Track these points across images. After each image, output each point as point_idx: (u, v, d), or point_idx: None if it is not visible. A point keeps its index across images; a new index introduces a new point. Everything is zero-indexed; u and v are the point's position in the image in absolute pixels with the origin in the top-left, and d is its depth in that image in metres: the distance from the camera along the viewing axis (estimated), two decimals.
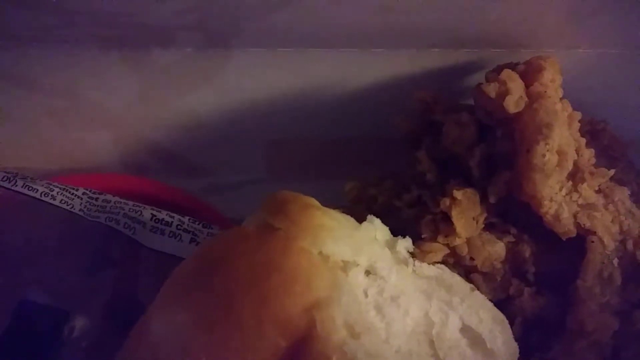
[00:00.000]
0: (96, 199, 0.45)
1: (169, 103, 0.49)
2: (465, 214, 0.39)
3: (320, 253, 0.34)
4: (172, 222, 0.44)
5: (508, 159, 0.40)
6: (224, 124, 0.51)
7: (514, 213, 0.41)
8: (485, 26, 0.44)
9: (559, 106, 0.39)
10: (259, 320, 0.32)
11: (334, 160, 0.52)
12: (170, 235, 0.44)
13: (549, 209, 0.39)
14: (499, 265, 0.41)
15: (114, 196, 0.45)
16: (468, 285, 0.38)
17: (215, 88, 0.48)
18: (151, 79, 0.48)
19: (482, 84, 0.41)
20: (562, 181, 0.40)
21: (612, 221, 0.40)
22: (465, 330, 0.36)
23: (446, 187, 0.41)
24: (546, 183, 0.38)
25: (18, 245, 0.44)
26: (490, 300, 0.39)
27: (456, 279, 0.38)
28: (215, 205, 0.50)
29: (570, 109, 0.40)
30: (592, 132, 0.45)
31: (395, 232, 0.38)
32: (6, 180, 0.44)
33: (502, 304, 0.40)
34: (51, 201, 0.44)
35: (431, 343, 0.35)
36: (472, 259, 0.40)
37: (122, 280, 0.43)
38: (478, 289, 0.39)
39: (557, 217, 0.39)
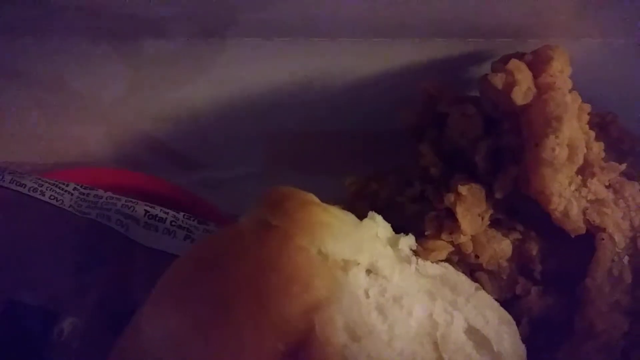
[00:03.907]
0: (87, 195, 0.44)
1: (163, 95, 0.49)
2: (471, 210, 0.39)
3: (319, 252, 0.33)
4: (166, 218, 0.44)
5: (515, 153, 0.39)
6: (220, 117, 0.50)
7: (520, 209, 0.40)
8: (492, 15, 0.43)
9: (568, 98, 0.38)
10: (256, 322, 0.31)
11: (334, 154, 0.51)
12: (164, 231, 0.43)
13: (557, 205, 0.38)
14: (505, 264, 0.40)
15: (106, 191, 0.45)
16: (473, 285, 0.37)
17: (210, 79, 0.48)
18: (143, 71, 0.47)
19: (488, 74, 0.40)
20: (572, 176, 0.39)
21: (623, 217, 0.40)
22: (471, 331, 0.35)
23: (450, 182, 0.40)
24: (555, 178, 0.37)
25: (5, 243, 0.43)
26: (496, 299, 0.38)
27: (461, 278, 0.37)
28: (211, 200, 0.49)
29: (579, 101, 0.39)
30: (601, 124, 0.44)
31: (398, 229, 0.37)
32: None
33: (508, 303, 0.39)
34: (40, 197, 0.43)
35: (435, 345, 0.34)
36: (477, 256, 0.39)
37: (114, 279, 0.42)
38: (483, 288, 0.38)
39: (566, 213, 0.38)
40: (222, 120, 0.50)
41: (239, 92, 0.49)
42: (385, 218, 0.36)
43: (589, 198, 0.39)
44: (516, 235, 0.40)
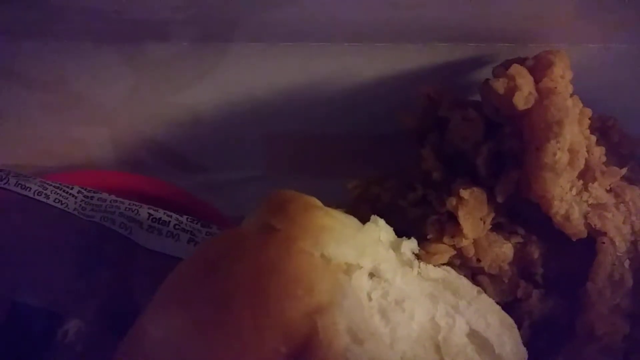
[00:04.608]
0: (91, 198, 0.44)
1: (166, 98, 0.49)
2: (472, 214, 0.39)
3: (322, 255, 0.33)
4: (169, 221, 0.44)
5: (516, 157, 0.39)
6: (222, 120, 0.50)
7: (522, 213, 0.40)
8: (493, 20, 0.43)
9: (569, 102, 0.38)
10: (258, 325, 0.31)
11: (336, 157, 0.51)
12: (168, 235, 0.43)
13: (559, 209, 0.38)
14: (506, 267, 0.40)
15: (109, 194, 0.45)
16: (475, 288, 0.37)
17: (213, 83, 0.48)
18: (147, 74, 0.47)
19: (490, 79, 0.40)
20: (573, 180, 0.39)
21: (624, 222, 0.40)
22: (473, 335, 0.35)
23: (452, 186, 0.40)
24: (557, 182, 0.37)
25: (10, 245, 0.43)
26: (497, 302, 0.38)
27: (462, 282, 0.37)
28: (214, 203, 0.49)
29: (580, 106, 0.39)
30: (601, 129, 0.44)
31: (400, 232, 0.37)
32: None
33: (509, 306, 0.39)
34: (45, 200, 0.43)
35: (437, 348, 0.34)
36: (478, 260, 0.39)
37: (117, 282, 0.42)
38: (485, 291, 0.38)
39: (567, 217, 0.38)
40: (224, 123, 0.50)
41: (242, 95, 0.49)
42: (388, 222, 0.37)
43: (590, 202, 0.39)
44: (517, 239, 0.40)
